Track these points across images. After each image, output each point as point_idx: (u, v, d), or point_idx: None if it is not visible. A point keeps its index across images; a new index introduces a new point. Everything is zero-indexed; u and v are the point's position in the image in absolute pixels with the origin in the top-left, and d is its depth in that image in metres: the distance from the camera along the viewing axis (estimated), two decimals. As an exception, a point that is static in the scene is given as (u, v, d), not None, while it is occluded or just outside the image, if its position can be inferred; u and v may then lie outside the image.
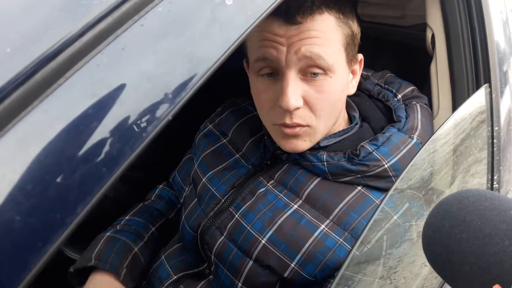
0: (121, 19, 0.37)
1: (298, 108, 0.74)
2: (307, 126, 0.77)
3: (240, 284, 0.83)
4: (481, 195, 0.50)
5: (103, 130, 0.33)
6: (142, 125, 0.35)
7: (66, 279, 1.01)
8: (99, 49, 0.35)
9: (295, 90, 0.73)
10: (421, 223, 0.83)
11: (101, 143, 0.33)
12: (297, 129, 0.77)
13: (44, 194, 0.30)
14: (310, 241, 0.78)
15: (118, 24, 0.36)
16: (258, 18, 0.45)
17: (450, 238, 0.49)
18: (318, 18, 0.72)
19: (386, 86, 0.96)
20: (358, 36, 0.82)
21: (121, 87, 0.35)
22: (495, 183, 0.92)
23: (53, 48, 0.33)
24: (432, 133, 0.90)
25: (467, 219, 0.48)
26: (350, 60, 0.80)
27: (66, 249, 1.24)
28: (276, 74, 0.76)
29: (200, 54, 0.39)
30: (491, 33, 0.92)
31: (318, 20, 0.72)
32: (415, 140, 0.84)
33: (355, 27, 0.80)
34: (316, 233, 0.79)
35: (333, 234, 0.78)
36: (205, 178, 0.95)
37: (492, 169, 0.91)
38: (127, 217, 1.06)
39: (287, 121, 0.75)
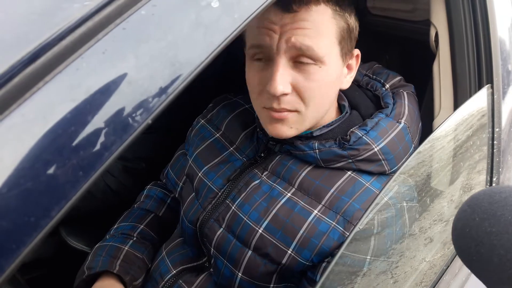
0: (102, 23, 0.37)
1: (286, 94, 0.76)
2: (295, 111, 0.79)
3: (240, 274, 0.85)
4: None
5: (81, 135, 0.34)
6: (121, 130, 0.35)
7: (71, 268, 1.03)
8: (79, 53, 0.35)
9: (283, 77, 0.74)
10: (423, 218, 0.84)
11: (78, 148, 0.33)
12: (285, 114, 0.78)
13: (18, 197, 0.31)
14: (304, 227, 0.80)
15: (100, 27, 0.37)
16: (245, 21, 0.44)
17: (480, 231, 0.50)
18: (313, 8, 0.74)
19: (374, 76, 0.97)
20: (356, 31, 0.83)
21: (100, 92, 0.35)
22: (494, 184, 0.91)
23: (32, 52, 0.33)
24: (419, 119, 0.92)
25: (497, 213, 0.50)
26: (345, 54, 0.81)
27: (70, 239, 1.27)
28: (268, 60, 0.78)
29: (183, 58, 0.39)
30: (495, 33, 0.90)
31: (313, 11, 0.74)
32: (402, 124, 0.86)
33: (352, 21, 0.80)
34: (310, 219, 0.81)
35: (326, 218, 0.81)
36: (201, 173, 0.96)
37: (491, 170, 0.90)
38: (114, 226, 1.08)
39: (275, 105, 0.77)
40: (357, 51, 0.86)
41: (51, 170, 0.32)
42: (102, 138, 0.35)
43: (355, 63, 0.86)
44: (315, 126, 0.86)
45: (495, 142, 0.89)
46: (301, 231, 0.80)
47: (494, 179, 0.91)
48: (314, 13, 0.74)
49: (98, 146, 0.34)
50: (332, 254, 0.80)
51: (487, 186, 0.92)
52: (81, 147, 0.34)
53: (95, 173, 0.34)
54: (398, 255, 0.79)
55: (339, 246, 0.79)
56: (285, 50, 0.74)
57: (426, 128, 0.97)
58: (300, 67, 0.76)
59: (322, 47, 0.75)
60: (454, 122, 0.85)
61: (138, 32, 0.38)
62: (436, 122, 0.97)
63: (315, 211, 0.81)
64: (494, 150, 0.90)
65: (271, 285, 0.85)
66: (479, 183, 0.95)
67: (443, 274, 0.88)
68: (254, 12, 0.46)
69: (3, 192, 0.30)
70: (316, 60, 0.75)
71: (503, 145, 0.93)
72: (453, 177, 0.90)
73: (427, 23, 0.99)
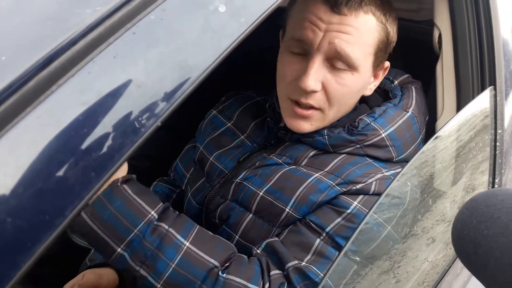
0: (113, 28, 0.38)
1: (315, 92, 0.78)
2: (319, 109, 0.81)
3: (237, 237, 0.86)
4: (510, 194, 0.52)
5: (92, 136, 0.35)
6: (131, 132, 0.36)
7: (76, 265, 1.04)
8: (91, 57, 0.36)
9: (317, 74, 0.77)
10: (426, 218, 0.85)
11: (90, 149, 0.35)
12: (310, 112, 0.81)
13: (33, 197, 0.32)
14: (304, 185, 0.82)
15: (111, 32, 0.38)
16: (251, 25, 0.45)
17: (477, 233, 0.51)
18: (362, 15, 0.76)
19: None
20: (392, 44, 0.85)
21: (111, 95, 0.36)
22: (496, 186, 0.92)
23: (46, 56, 0.35)
24: (427, 112, 0.94)
25: (494, 216, 0.50)
26: (377, 65, 0.83)
27: (75, 237, 1.28)
28: (305, 54, 0.79)
29: (191, 62, 0.40)
30: (498, 34, 0.91)
31: (361, 18, 0.76)
32: (410, 113, 0.88)
33: (392, 35, 0.83)
34: (310, 179, 0.83)
35: (326, 179, 0.82)
36: (212, 157, 0.98)
37: (493, 172, 0.91)
38: None
39: (302, 99, 0.80)
40: (387, 64, 0.88)
41: (64, 171, 0.33)
42: (113, 140, 0.36)
43: (382, 73, 0.88)
44: None
45: (497, 143, 0.90)
46: (300, 189, 0.82)
47: (497, 180, 0.92)
48: (361, 20, 0.75)
49: (109, 148, 0.35)
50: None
51: (490, 187, 0.93)
52: (93, 149, 0.35)
53: (107, 174, 0.35)
54: (401, 255, 0.80)
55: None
56: (324, 50, 0.76)
57: (429, 129, 0.98)
58: (334, 70, 0.78)
59: (359, 56, 0.77)
60: (457, 123, 0.85)
61: (148, 36, 0.39)
62: (439, 123, 0.98)
63: (317, 174, 0.83)
64: (497, 152, 0.90)
65: None
66: (482, 183, 0.95)
67: (445, 274, 0.88)
68: (260, 16, 0.47)
69: (19, 192, 0.31)
70: (351, 67, 0.77)
71: (506, 146, 0.94)
72: (456, 177, 0.90)
73: (431, 23, 1.00)
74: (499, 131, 0.90)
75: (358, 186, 0.80)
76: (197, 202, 0.96)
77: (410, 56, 1.24)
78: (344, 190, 0.80)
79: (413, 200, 0.80)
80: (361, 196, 0.79)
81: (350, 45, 0.75)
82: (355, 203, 0.78)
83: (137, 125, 0.37)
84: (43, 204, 0.32)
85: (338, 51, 0.75)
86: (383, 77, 0.89)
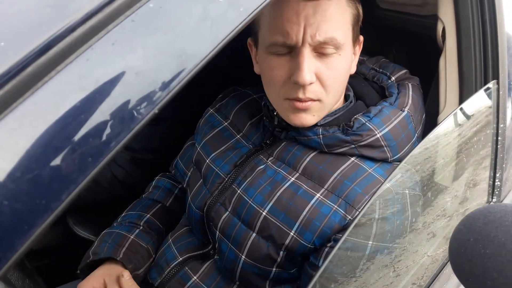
0: (112, 15, 0.38)
1: (311, 84, 0.78)
2: (318, 100, 0.81)
3: (244, 257, 0.87)
4: (508, 211, 0.51)
5: (90, 123, 0.35)
6: (128, 119, 0.37)
7: (78, 257, 1.05)
8: (90, 44, 0.37)
9: (309, 67, 0.77)
10: (427, 213, 0.85)
11: (87, 135, 0.35)
12: (309, 103, 0.81)
13: (31, 181, 0.32)
14: (307, 209, 0.82)
15: (110, 19, 0.38)
16: (250, 14, 0.45)
17: (474, 252, 0.50)
18: None
19: (381, 70, 0.99)
20: (361, 18, 0.86)
21: (109, 82, 0.36)
22: (497, 180, 0.91)
23: (44, 43, 0.35)
24: (423, 109, 0.93)
25: (491, 235, 0.50)
26: (355, 40, 0.84)
27: (77, 228, 1.29)
28: (290, 51, 0.79)
29: (189, 50, 0.41)
30: (502, 28, 0.90)
31: (332, 0, 0.76)
32: (405, 112, 0.87)
33: (360, 8, 0.84)
34: (312, 201, 0.83)
35: (328, 201, 0.82)
36: (208, 159, 0.99)
37: (495, 166, 0.91)
38: (122, 214, 1.10)
39: (300, 95, 0.79)
40: (361, 37, 0.88)
41: (62, 156, 0.34)
42: (110, 127, 0.36)
43: (358, 49, 0.89)
44: None
45: (499, 137, 0.90)
46: (304, 213, 0.82)
47: (498, 175, 0.92)
48: (333, 2, 0.76)
49: (106, 134, 0.36)
50: (334, 238, 0.81)
51: (490, 182, 0.92)
52: (90, 135, 0.35)
53: (104, 160, 0.35)
54: (401, 249, 0.80)
55: (340, 229, 0.81)
56: (309, 42, 0.76)
57: (431, 123, 0.97)
58: (322, 57, 0.79)
59: (342, 34, 0.78)
60: (461, 117, 0.85)
61: (147, 24, 0.40)
62: (441, 117, 0.98)
63: (318, 194, 0.83)
64: (498, 146, 0.90)
65: (274, 269, 0.87)
66: (484, 179, 0.95)
67: (443, 267, 0.89)
68: (260, 5, 0.47)
69: (17, 176, 0.32)
70: (338, 48, 0.78)
71: (508, 141, 0.94)
72: (459, 172, 0.90)
73: (435, 18, 1.00)
74: (501, 125, 0.90)
75: (361, 208, 0.79)
76: (197, 207, 0.97)
77: (414, 51, 1.24)
78: (349, 217, 0.80)
79: (413, 195, 0.80)
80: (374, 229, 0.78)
81: (331, 29, 0.76)
82: (371, 242, 0.76)
83: (135, 112, 0.37)
84: (40, 188, 0.33)
85: (324, 40, 0.76)
86: (359, 52, 0.89)
